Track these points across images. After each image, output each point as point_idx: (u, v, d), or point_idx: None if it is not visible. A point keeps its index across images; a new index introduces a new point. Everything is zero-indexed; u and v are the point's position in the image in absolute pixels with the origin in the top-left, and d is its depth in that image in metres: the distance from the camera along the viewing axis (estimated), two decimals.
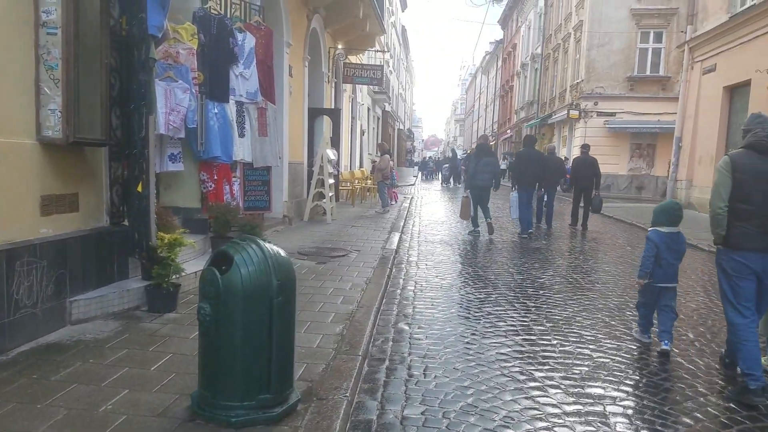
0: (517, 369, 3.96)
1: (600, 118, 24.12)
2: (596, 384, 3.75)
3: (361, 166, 21.07)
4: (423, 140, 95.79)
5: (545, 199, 12.41)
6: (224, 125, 6.91)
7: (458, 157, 33.49)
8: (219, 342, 2.92)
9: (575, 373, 3.91)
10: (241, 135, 7.35)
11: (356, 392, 3.49)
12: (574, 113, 24.52)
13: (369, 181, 16.43)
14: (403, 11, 42.91)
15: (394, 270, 7.09)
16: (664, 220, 4.56)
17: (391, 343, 4.46)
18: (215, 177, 6.92)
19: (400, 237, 9.66)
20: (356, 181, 16.08)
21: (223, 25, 6.74)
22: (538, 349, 4.39)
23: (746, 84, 13.44)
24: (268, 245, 3.07)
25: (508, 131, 44.01)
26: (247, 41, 7.19)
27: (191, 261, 5.95)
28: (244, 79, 7.22)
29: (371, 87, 23.71)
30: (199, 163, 6.75)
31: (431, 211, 15.28)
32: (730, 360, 4.02)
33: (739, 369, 3.81)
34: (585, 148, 12.81)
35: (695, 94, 16.15)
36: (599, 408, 3.39)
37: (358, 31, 14.79)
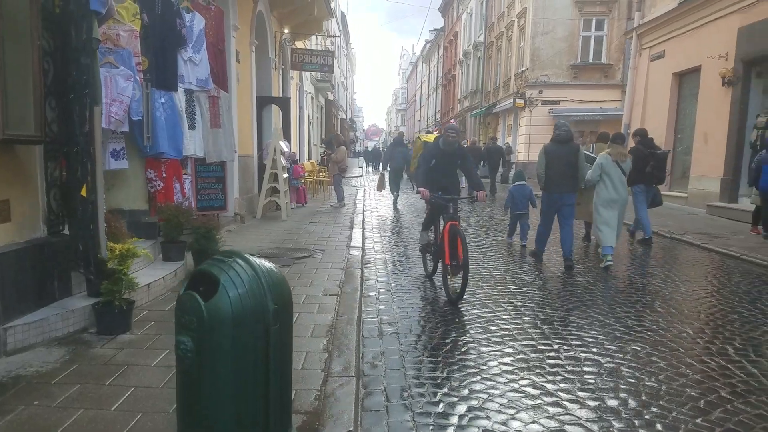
0: (527, 382, 3.60)
1: (545, 106, 24.36)
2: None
3: (309, 158, 20.37)
4: (364, 130, 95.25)
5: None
6: (173, 116, 6.24)
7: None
8: (204, 382, 2.38)
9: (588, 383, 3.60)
10: (192, 127, 6.67)
11: (359, 423, 3.04)
12: (520, 102, 24.66)
13: (321, 174, 15.80)
14: None
15: (364, 271, 6.63)
16: (516, 180, 8.68)
17: (382, 358, 4.01)
18: (164, 175, 6.24)
19: (363, 233, 9.20)
20: (306, 174, 15.43)
21: (168, 3, 6.04)
22: (542, 356, 4.06)
23: (696, 70, 13.64)
24: (257, 260, 2.56)
25: (452, 120, 44.14)
26: (196, 22, 6.51)
27: (140, 270, 5.28)
28: (193, 65, 6.54)
29: (314, 75, 22.95)
30: (146, 160, 6.07)
31: (387, 205, 14.86)
32: (538, 252, 7.47)
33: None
34: (493, 140, 21.28)
35: (643, 81, 16.33)
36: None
37: (305, 14, 14.09)
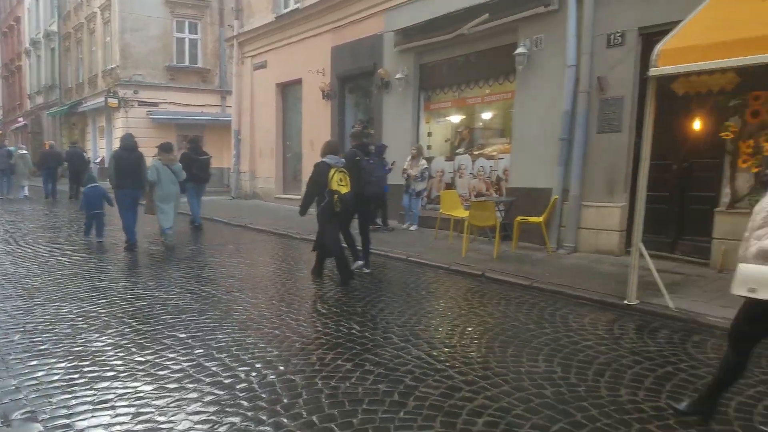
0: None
1: (142, 107, 22.68)
2: None
3: None
4: None
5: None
6: None
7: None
8: None
9: None
10: None
11: None
12: (113, 102, 22.29)
13: None
14: None
15: None
16: (89, 182, 9.42)
17: None
18: None
19: None
20: None
21: None
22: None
23: (297, 82, 14.35)
24: None
25: (20, 119, 37.06)
26: None
27: None
28: None
29: None
30: None
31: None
32: (130, 241, 8.47)
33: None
34: (73, 144, 18.78)
35: (249, 89, 16.51)
36: None
37: None
